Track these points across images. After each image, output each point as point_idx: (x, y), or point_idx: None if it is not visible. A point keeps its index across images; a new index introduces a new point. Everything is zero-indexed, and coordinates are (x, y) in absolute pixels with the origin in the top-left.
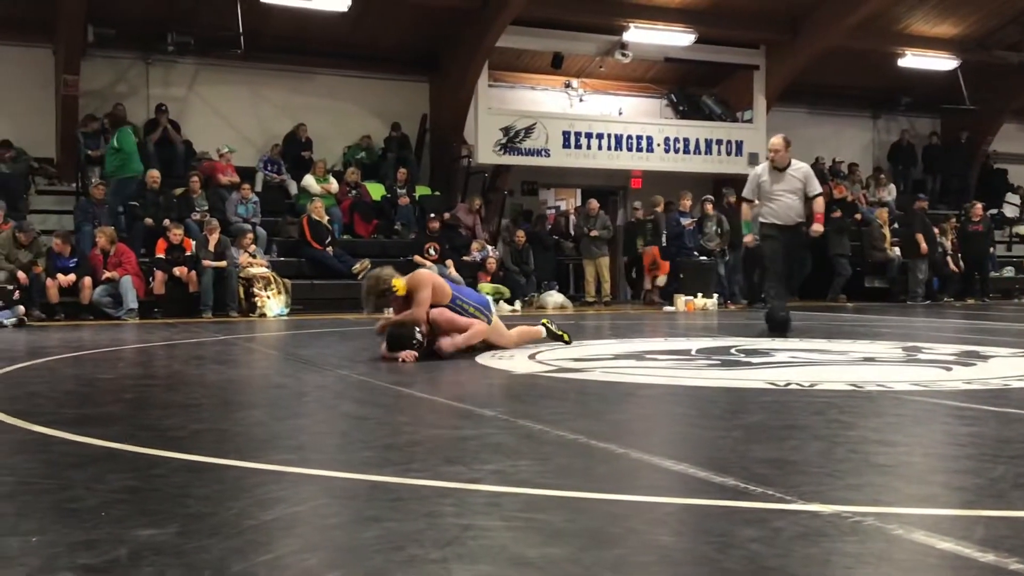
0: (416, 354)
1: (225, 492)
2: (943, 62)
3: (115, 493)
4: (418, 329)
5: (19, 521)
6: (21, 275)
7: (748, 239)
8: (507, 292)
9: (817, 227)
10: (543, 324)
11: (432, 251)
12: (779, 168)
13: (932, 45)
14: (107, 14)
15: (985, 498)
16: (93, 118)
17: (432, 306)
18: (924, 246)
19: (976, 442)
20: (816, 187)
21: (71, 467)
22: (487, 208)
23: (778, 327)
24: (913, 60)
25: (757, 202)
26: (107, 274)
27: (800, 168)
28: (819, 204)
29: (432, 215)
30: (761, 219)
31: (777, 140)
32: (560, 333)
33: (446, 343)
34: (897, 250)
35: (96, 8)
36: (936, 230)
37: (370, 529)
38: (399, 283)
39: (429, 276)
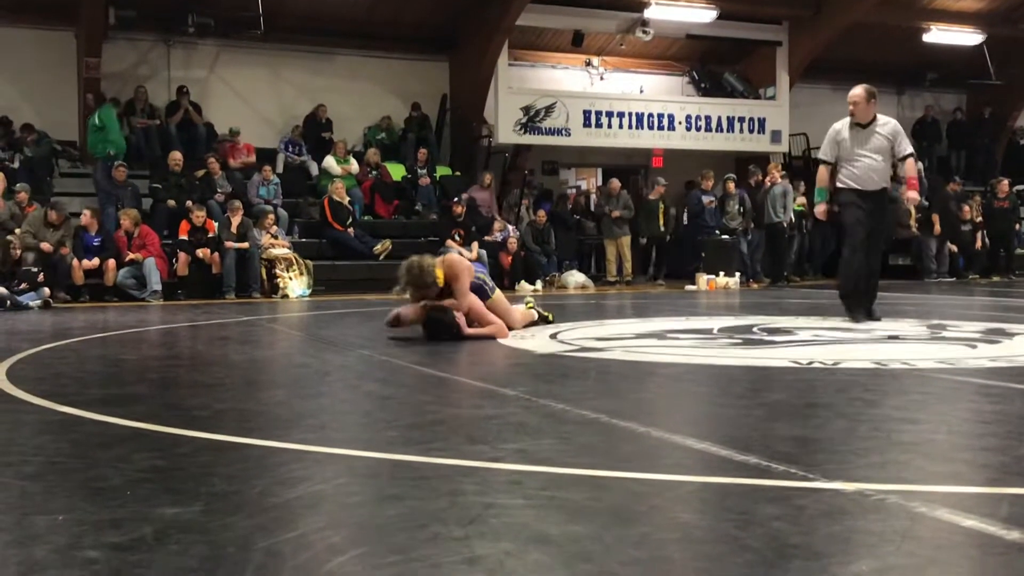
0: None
1: (249, 471)
2: (969, 37)
3: (140, 472)
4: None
5: (46, 500)
6: (45, 245)
7: (820, 209)
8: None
9: (913, 194)
10: (534, 309)
11: (457, 237)
12: (862, 124)
13: (957, 19)
14: None
15: (1010, 476)
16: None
17: None
18: (937, 227)
19: (1001, 420)
20: (907, 147)
21: (97, 447)
22: (506, 188)
23: (853, 304)
24: (938, 35)
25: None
26: (131, 256)
27: (888, 124)
28: (911, 167)
29: (456, 199)
30: (839, 184)
31: (858, 91)
32: (546, 314)
33: (462, 325)
34: None
35: None
36: (966, 207)
37: (393, 507)
38: (441, 275)
39: (460, 261)
